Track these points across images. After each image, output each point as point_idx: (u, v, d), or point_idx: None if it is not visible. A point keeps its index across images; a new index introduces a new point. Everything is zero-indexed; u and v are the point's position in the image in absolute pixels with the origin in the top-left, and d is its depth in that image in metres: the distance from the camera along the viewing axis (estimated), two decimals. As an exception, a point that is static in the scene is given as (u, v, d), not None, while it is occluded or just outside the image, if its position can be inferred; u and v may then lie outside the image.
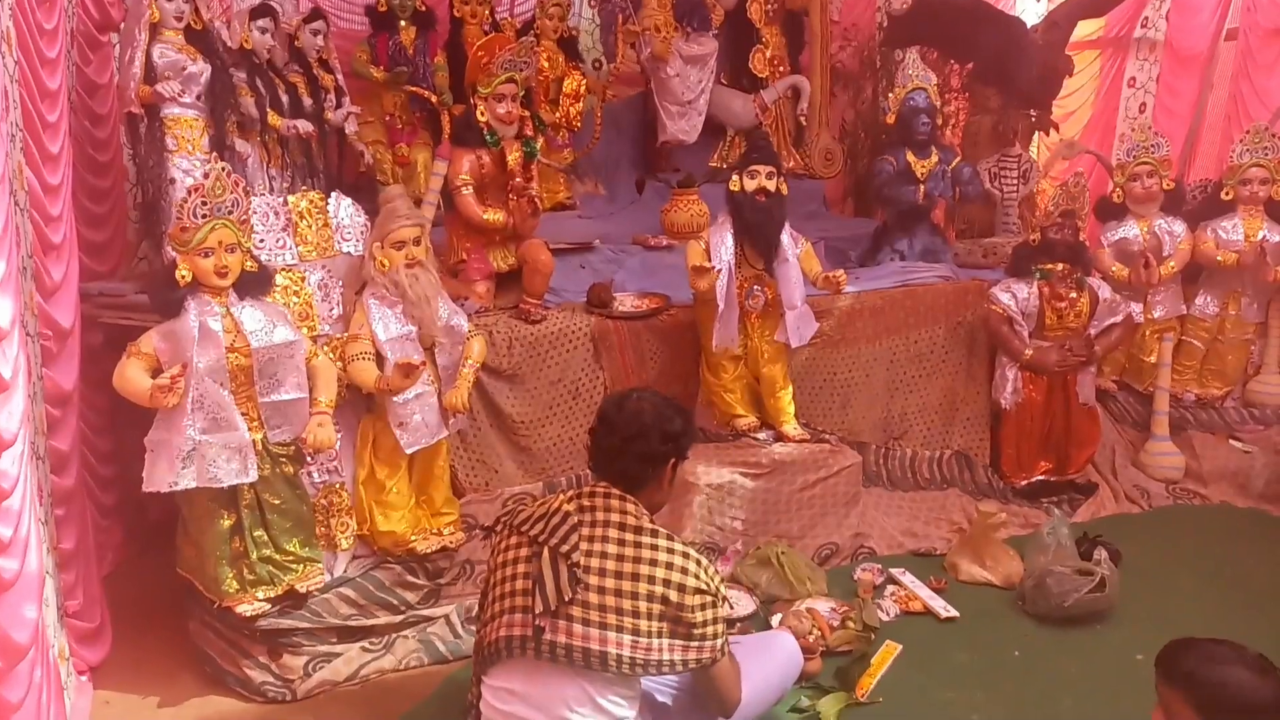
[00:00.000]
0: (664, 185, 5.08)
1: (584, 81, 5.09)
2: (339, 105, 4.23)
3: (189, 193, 2.57)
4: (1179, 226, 4.30)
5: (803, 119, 5.48)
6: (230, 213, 2.67)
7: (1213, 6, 5.02)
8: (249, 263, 2.76)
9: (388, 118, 4.73)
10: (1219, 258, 4.22)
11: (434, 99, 4.67)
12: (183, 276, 2.63)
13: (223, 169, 2.61)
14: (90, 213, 3.64)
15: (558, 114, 5.02)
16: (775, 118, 5.49)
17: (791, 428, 3.74)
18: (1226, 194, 4.27)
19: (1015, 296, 3.93)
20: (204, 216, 2.60)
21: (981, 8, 5.35)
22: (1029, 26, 5.54)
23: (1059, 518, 3.50)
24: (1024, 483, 4.07)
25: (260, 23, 3.73)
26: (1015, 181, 5.27)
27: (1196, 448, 4.28)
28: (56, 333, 2.82)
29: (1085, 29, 5.66)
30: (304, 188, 3.86)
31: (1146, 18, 5.54)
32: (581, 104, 5.08)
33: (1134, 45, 5.64)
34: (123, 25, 3.36)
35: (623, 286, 4.24)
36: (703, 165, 5.52)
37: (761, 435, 3.75)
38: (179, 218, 2.58)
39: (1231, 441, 4.30)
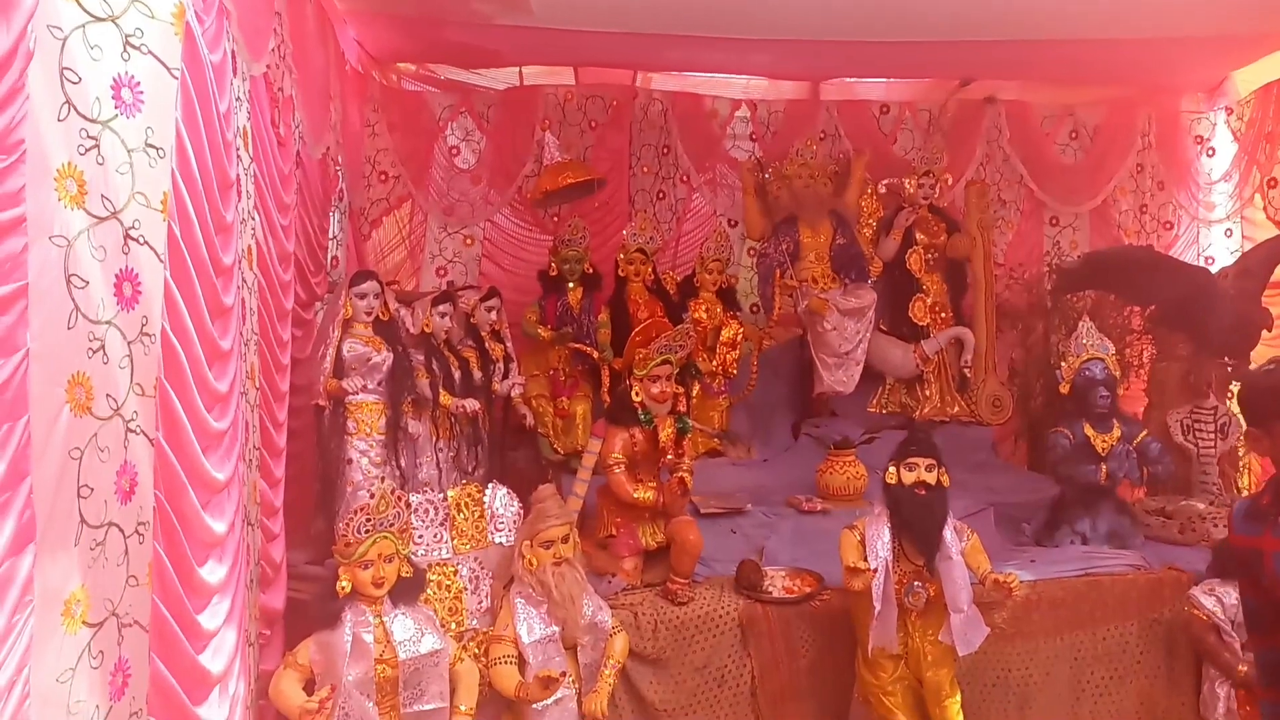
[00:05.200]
0: (820, 440, 4.98)
1: (741, 330, 5.17)
2: (506, 374, 4.48)
3: (355, 512, 2.73)
4: None
5: (967, 371, 5.30)
6: (391, 525, 2.80)
7: None
8: (404, 568, 2.86)
9: (551, 371, 4.95)
10: None
11: (596, 355, 4.87)
12: (343, 588, 2.75)
13: (390, 489, 2.76)
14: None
15: (714, 362, 5.10)
16: (938, 365, 5.34)
17: (960, 742, 3.38)
18: None
19: (1221, 602, 3.48)
20: (367, 532, 2.74)
21: (1158, 257, 5.11)
22: (1217, 271, 5.23)
23: None
24: (1248, 824, 3.45)
25: (441, 308, 4.06)
26: (1212, 436, 4.82)
27: None
28: (270, 620, 3.00)
29: (1286, 269, 5.26)
30: (469, 457, 4.06)
31: (1358, 261, 5.09)
32: (738, 351, 5.15)
33: (1345, 289, 5.17)
34: (318, 323, 3.74)
35: (774, 556, 4.10)
36: (861, 410, 5.42)
37: (925, 748, 3.41)
38: (343, 534, 2.73)
39: None
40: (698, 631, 3.61)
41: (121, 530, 1.92)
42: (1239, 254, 5.70)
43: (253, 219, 2.68)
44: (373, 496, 2.76)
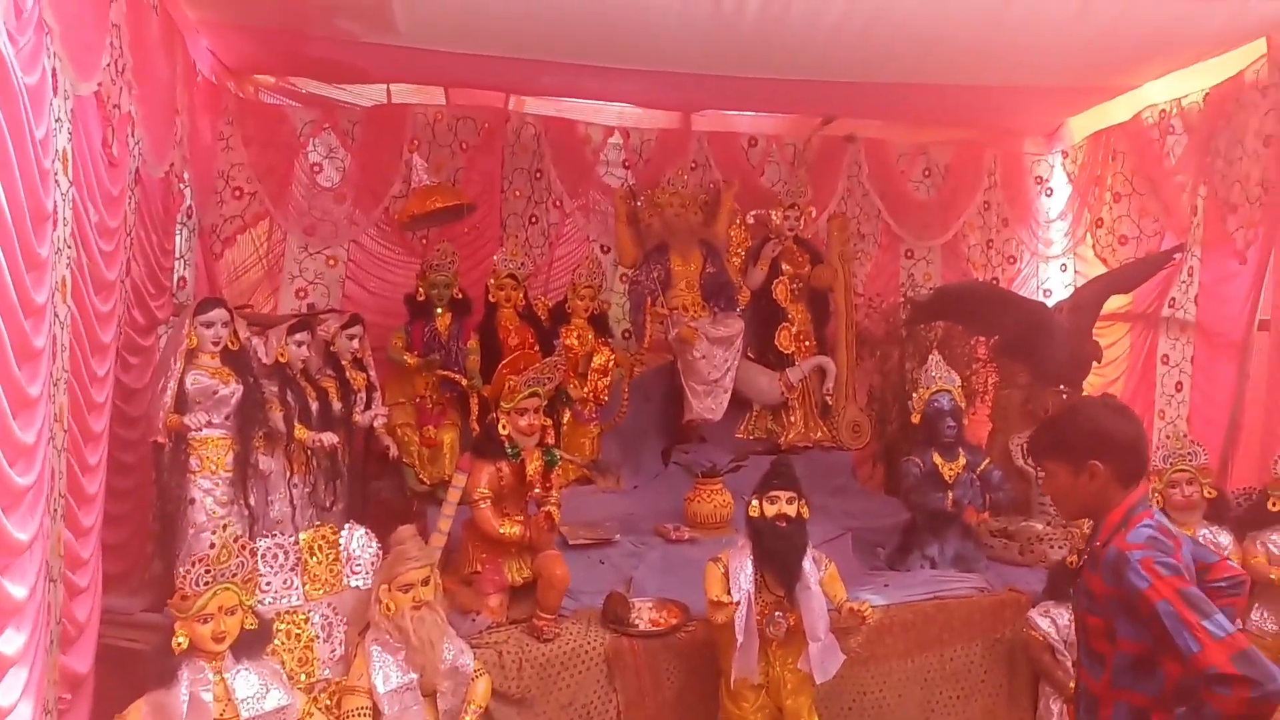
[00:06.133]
0: (689, 467, 5.03)
1: (612, 357, 5.18)
2: (369, 404, 4.32)
3: (191, 563, 2.56)
4: (1225, 538, 4.09)
5: (828, 398, 5.49)
6: (234, 575, 2.64)
7: (1242, 297, 5.01)
8: (249, 620, 2.70)
9: (418, 399, 4.80)
10: (1272, 575, 3.98)
11: (465, 382, 4.76)
12: (179, 644, 2.57)
13: (232, 537, 2.61)
14: (109, 513, 3.65)
15: (586, 388, 5.08)
16: (802, 392, 5.51)
17: (817, 767, 3.47)
18: (1272, 505, 4.08)
19: (1055, 623, 3.71)
20: (206, 585, 2.58)
21: (1000, 292, 5.45)
22: (1053, 305, 5.61)
23: None
24: (1079, 830, 3.68)
25: (298, 336, 3.88)
26: (1050, 460, 5.14)
27: (1270, 783, 3.87)
28: (73, 684, 2.74)
29: (1114, 302, 5.70)
30: (327, 492, 3.89)
31: (1174, 298, 5.57)
32: (609, 378, 5.16)
33: (1163, 324, 5.64)
34: (159, 355, 3.50)
35: (642, 586, 4.11)
36: (729, 436, 5.52)
37: (785, 774, 3.48)
38: (180, 587, 2.55)
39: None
40: (563, 668, 3.57)
41: (-90, 606, 1.73)
42: (1072, 288, 6.15)
43: (69, 248, 2.47)
44: (213, 546, 2.60)
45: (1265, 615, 4.12)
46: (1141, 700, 2.17)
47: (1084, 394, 5.37)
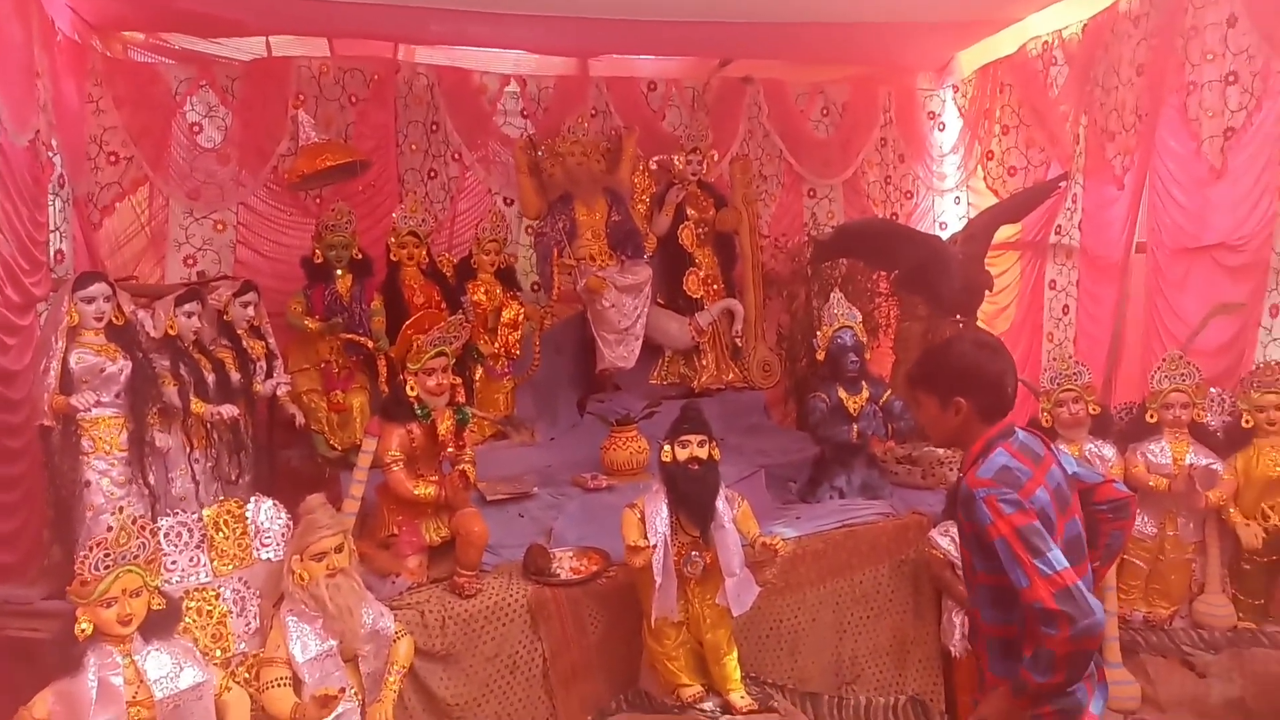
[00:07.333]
0: (604, 416, 5.07)
1: (522, 310, 5.15)
2: (270, 372, 4.20)
3: (90, 548, 2.48)
4: (1109, 450, 4.36)
5: (738, 340, 5.59)
6: (136, 557, 2.57)
7: (1121, 221, 5.27)
8: (155, 600, 2.64)
9: (323, 364, 4.69)
10: (1150, 483, 4.27)
11: (370, 344, 4.67)
12: (82, 631, 2.51)
13: (128, 518, 2.53)
14: (-3, 501, 3.51)
15: (497, 344, 5.05)
16: (712, 336, 5.59)
17: (738, 696, 3.60)
18: (1151, 417, 4.37)
19: (955, 541, 3.90)
20: (106, 568, 2.50)
21: (897, 227, 5.59)
22: (948, 237, 5.79)
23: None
24: (982, 730, 3.94)
25: (187, 307, 3.73)
26: (950, 387, 5.36)
27: (1150, 673, 4.20)
28: None
29: (1004, 232, 5.92)
30: (231, 465, 3.80)
31: (1060, 225, 5.81)
32: (520, 332, 5.13)
33: (1050, 250, 5.90)
34: (40, 334, 3.33)
35: (562, 536, 4.16)
36: (643, 383, 5.58)
37: (707, 705, 3.61)
38: (79, 572, 2.48)
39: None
40: (487, 622, 3.61)
41: None
42: (966, 220, 6.36)
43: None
44: (110, 529, 2.52)
45: (1146, 520, 4.42)
46: (1011, 632, 2.27)
47: (978, 322, 5.61)
